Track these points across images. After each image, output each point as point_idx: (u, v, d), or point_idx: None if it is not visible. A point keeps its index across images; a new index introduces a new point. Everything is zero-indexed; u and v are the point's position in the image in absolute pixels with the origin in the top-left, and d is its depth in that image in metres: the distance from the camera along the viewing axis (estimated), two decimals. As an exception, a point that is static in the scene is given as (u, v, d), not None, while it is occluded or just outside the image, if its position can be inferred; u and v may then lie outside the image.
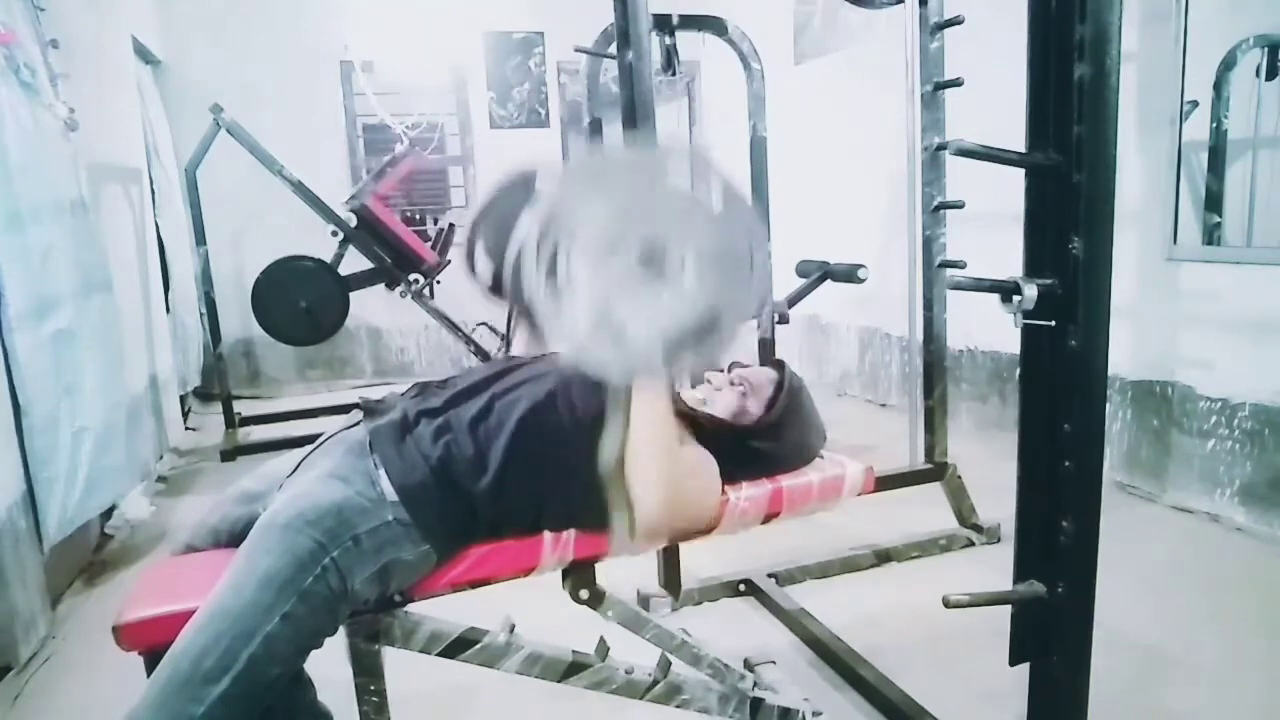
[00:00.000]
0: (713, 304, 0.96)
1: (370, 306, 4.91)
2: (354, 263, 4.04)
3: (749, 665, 1.51)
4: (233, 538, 1.23)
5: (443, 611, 1.24)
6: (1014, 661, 1.16)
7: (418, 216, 5.61)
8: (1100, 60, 0.96)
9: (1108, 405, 2.42)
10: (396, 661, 1.24)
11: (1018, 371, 1.25)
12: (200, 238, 3.97)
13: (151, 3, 4.62)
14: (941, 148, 2.42)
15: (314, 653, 1.11)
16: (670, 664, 1.39)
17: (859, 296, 3.71)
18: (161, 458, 3.62)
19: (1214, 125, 2.58)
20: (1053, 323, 1.04)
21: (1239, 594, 2.18)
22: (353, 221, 4.01)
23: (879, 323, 4.30)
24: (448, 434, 1.20)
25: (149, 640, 1.09)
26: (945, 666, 1.87)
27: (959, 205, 2.42)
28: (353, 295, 4.03)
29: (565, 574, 1.30)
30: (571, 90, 5.56)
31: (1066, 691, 1.11)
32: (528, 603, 1.38)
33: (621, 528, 1.05)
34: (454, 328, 4.21)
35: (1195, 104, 2.58)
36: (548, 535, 1.22)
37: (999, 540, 2.51)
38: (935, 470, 2.58)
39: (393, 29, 4.97)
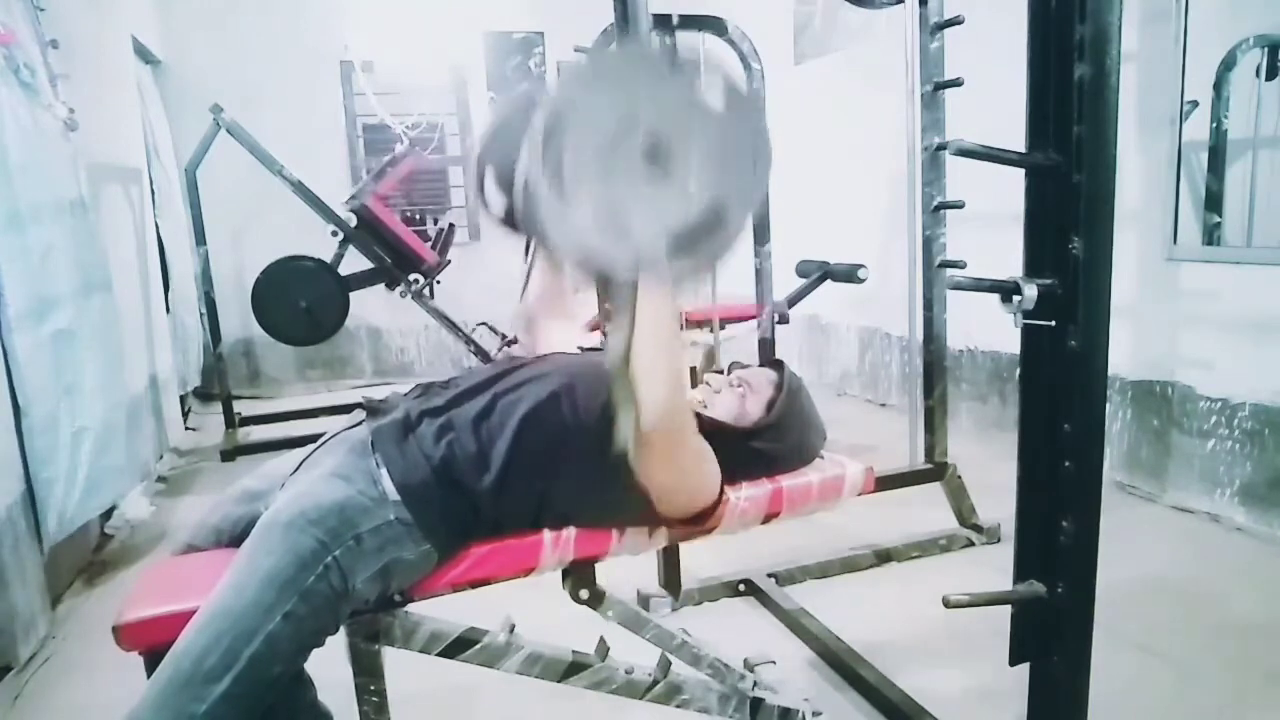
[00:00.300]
0: (717, 199, 0.96)
1: (370, 306, 4.91)
2: (354, 263, 4.04)
3: (749, 665, 1.51)
4: (234, 537, 1.23)
5: (443, 611, 1.24)
6: (1014, 661, 1.16)
7: (418, 216, 5.61)
8: (1100, 60, 0.96)
9: (1108, 405, 2.42)
10: (396, 661, 1.24)
11: (1018, 371, 1.25)
12: (200, 238, 3.97)
13: (151, 3, 4.62)
14: (941, 148, 2.42)
15: (314, 653, 1.11)
16: (670, 664, 1.39)
17: (859, 296, 3.71)
18: (161, 458, 3.62)
19: (1214, 125, 2.58)
20: (1053, 323, 1.04)
21: (1239, 594, 2.18)
22: (353, 221, 4.01)
23: (879, 323, 4.30)
24: (450, 433, 1.20)
25: (149, 640, 1.09)
26: (945, 666, 1.87)
27: (959, 205, 2.42)
28: (353, 295, 4.03)
29: (565, 574, 1.30)
30: (571, 90, 5.55)
31: (1066, 691, 1.11)
32: (528, 603, 1.38)
33: (626, 426, 1.05)
34: (454, 328, 4.22)
35: (1195, 104, 2.58)
36: (548, 535, 1.22)
37: (999, 540, 2.51)
38: (935, 470, 2.58)
39: (393, 29, 4.97)
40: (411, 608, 1.22)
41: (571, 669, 1.32)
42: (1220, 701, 1.72)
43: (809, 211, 4.51)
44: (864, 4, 2.76)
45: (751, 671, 1.49)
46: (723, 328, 2.99)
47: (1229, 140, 2.59)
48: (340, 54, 5.04)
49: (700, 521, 1.25)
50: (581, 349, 1.46)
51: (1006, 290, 1.04)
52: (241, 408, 4.39)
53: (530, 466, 1.19)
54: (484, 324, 4.39)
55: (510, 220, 1.35)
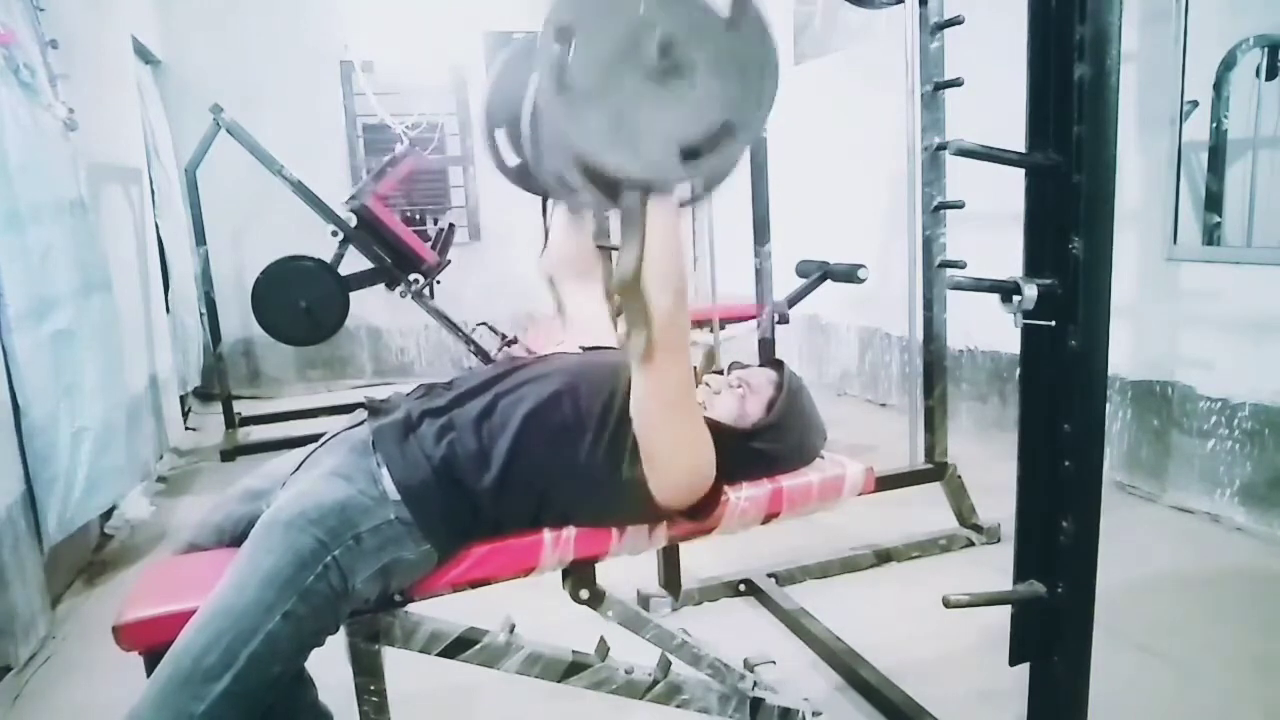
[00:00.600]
0: (726, 110, 0.98)
1: (370, 306, 4.91)
2: (354, 263, 4.04)
3: (749, 665, 1.51)
4: (236, 536, 1.23)
5: (443, 611, 1.24)
6: (1014, 661, 1.16)
7: (418, 216, 5.61)
8: (1100, 60, 0.96)
9: (1108, 405, 2.42)
10: (396, 661, 1.24)
11: (1018, 371, 1.25)
12: (200, 238, 3.97)
13: (151, 3, 4.62)
14: (941, 148, 2.42)
15: (314, 652, 1.11)
16: (670, 664, 1.39)
17: (859, 296, 3.71)
18: (161, 458, 3.62)
19: (1214, 125, 2.58)
20: (1053, 323, 1.04)
21: (1239, 594, 2.18)
22: (353, 221, 4.01)
23: (879, 323, 4.30)
24: (451, 433, 1.20)
25: (149, 640, 1.08)
26: (945, 666, 1.87)
27: (959, 205, 2.42)
28: (353, 295, 4.03)
29: (565, 574, 1.30)
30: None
31: (1066, 691, 1.11)
32: (528, 603, 1.38)
33: (638, 345, 1.05)
34: (454, 328, 4.22)
35: (1195, 104, 2.58)
36: (548, 535, 1.22)
37: (999, 540, 2.51)
38: (935, 470, 2.58)
39: (393, 29, 4.97)
40: (411, 608, 1.22)
41: (571, 669, 1.32)
42: (1220, 701, 1.72)
43: (809, 211, 4.51)
44: (864, 4, 2.76)
45: (751, 671, 1.49)
46: (723, 328, 3.00)
47: (1229, 140, 2.59)
48: (340, 54, 5.04)
49: (699, 517, 1.25)
50: (583, 349, 1.46)
51: (1006, 290, 1.04)
52: (241, 408, 4.39)
53: (531, 465, 1.19)
54: (484, 324, 4.39)
55: (523, 176, 1.36)
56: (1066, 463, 1.06)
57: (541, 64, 0.93)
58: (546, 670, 1.30)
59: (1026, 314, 1.03)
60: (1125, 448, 2.90)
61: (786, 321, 3.16)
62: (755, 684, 1.48)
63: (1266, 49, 2.46)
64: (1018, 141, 1.07)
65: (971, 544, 2.51)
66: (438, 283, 4.23)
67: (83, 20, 3.04)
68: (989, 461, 2.57)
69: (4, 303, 2.08)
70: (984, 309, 1.17)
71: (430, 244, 4.22)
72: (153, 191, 4.09)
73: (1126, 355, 2.82)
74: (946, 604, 1.10)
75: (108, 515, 2.80)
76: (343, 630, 1.17)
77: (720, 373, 1.43)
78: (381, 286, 4.15)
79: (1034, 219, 1.07)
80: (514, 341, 4.09)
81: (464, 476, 1.18)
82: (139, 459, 2.90)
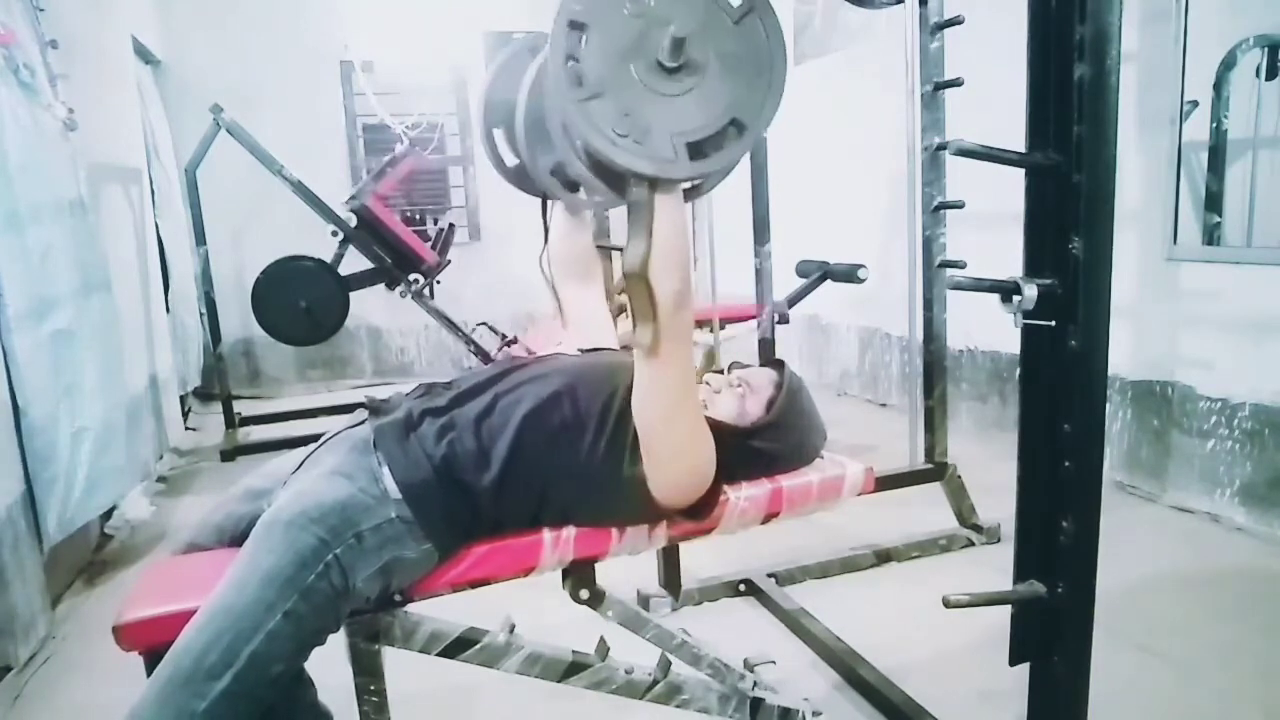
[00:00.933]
0: (734, 106, 0.99)
1: (370, 306, 4.92)
2: (354, 263, 4.04)
3: (749, 665, 1.51)
4: (236, 536, 1.23)
5: (443, 611, 1.24)
6: (1014, 661, 1.16)
7: (418, 216, 5.61)
8: (1100, 60, 0.96)
9: (1108, 405, 2.42)
10: (396, 661, 1.24)
11: (1018, 371, 1.25)
12: (200, 238, 3.97)
13: (151, 3, 4.62)
14: (941, 148, 2.42)
15: (314, 652, 1.11)
16: (670, 664, 1.39)
17: (859, 296, 3.71)
18: (161, 458, 3.62)
19: (1214, 125, 2.58)
20: (1053, 323, 1.04)
21: (1239, 594, 2.18)
22: (353, 221, 4.01)
23: (879, 323, 4.30)
24: (451, 432, 1.20)
25: (149, 640, 1.08)
26: (945, 666, 1.87)
27: (959, 205, 2.42)
28: (353, 295, 4.03)
29: (565, 574, 1.30)
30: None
31: (1066, 691, 1.11)
32: (528, 603, 1.38)
33: (645, 337, 1.05)
34: (454, 328, 4.21)
35: (1195, 104, 2.58)
36: (548, 535, 1.22)
37: (999, 540, 2.51)
38: (935, 470, 2.58)
39: (393, 29, 4.97)
40: (411, 608, 1.22)
41: (571, 669, 1.32)
42: (1220, 701, 1.72)
43: (809, 211, 4.51)
44: (864, 4, 2.75)
45: (751, 671, 1.49)
46: (723, 328, 3.00)
47: (1229, 140, 2.59)
48: (340, 54, 5.04)
49: (699, 517, 1.25)
50: (581, 351, 1.46)
51: (1006, 290, 1.03)
52: (241, 408, 4.39)
53: (531, 465, 1.19)
54: (484, 324, 4.39)
55: (522, 176, 1.36)
56: (1066, 463, 1.06)
57: (553, 56, 0.93)
58: (546, 670, 1.30)
59: (1026, 314, 1.03)
60: (1125, 448, 2.90)
61: (786, 321, 3.16)
62: (755, 684, 1.48)
63: (1266, 49, 2.46)
64: (1018, 141, 1.07)
65: (971, 544, 2.51)
66: (438, 283, 4.23)
67: (83, 20, 3.04)
68: (989, 461, 2.57)
69: (4, 303, 2.08)
70: (984, 309, 1.17)
71: (430, 244, 4.22)
72: (153, 191, 4.09)
73: (1126, 355, 2.82)
74: (946, 604, 1.10)
75: (108, 515, 2.80)
76: (343, 630, 1.17)
77: (720, 372, 1.43)
78: (381, 286, 4.15)
79: (1034, 219, 1.07)
80: (514, 341, 4.08)
81: (464, 475, 1.18)
82: (139, 459, 2.90)
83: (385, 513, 1.13)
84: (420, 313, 4.23)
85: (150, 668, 1.06)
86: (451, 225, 4.42)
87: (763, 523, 1.35)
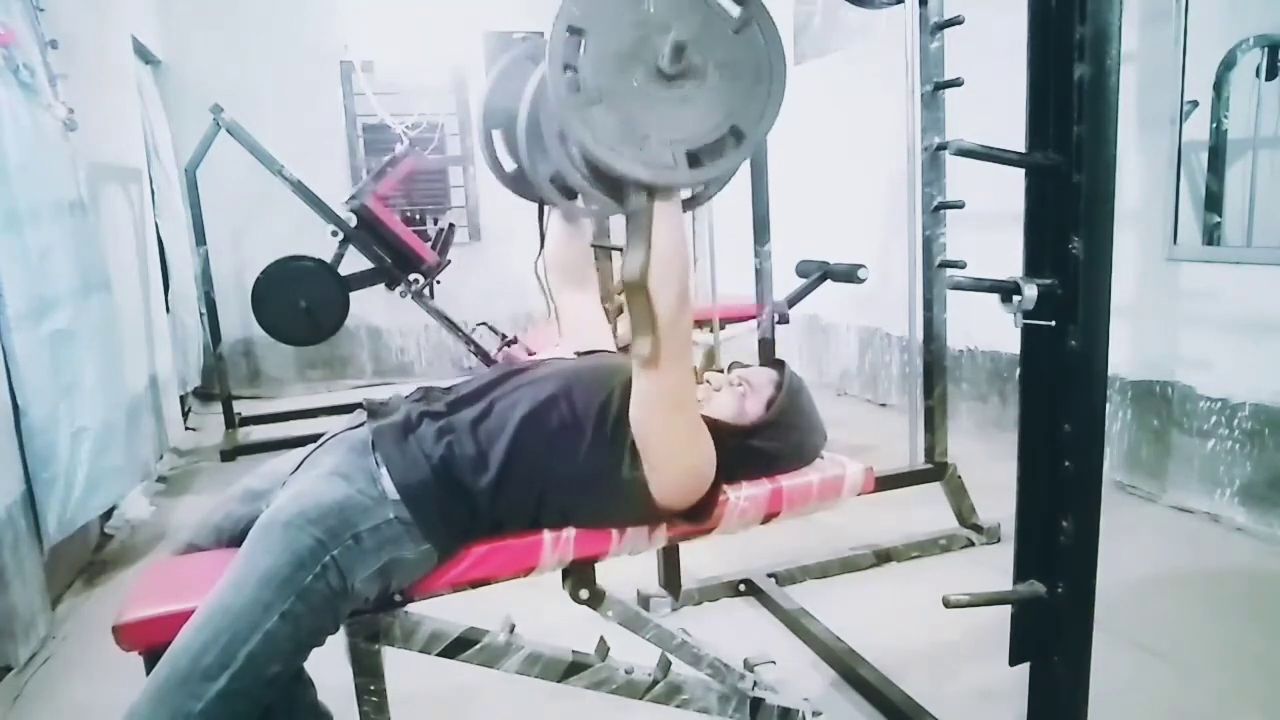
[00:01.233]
0: (733, 114, 0.98)
1: (370, 306, 4.91)
2: (354, 263, 4.04)
3: (749, 665, 1.51)
4: (235, 536, 1.23)
5: (443, 611, 1.24)
6: (1014, 661, 1.16)
7: (418, 216, 5.61)
8: (1100, 60, 0.96)
9: (1108, 405, 2.42)
10: (396, 661, 1.24)
11: (1018, 371, 1.25)
12: (200, 238, 3.97)
13: (151, 3, 4.62)
14: (941, 148, 2.42)
15: (315, 652, 1.11)
16: (670, 664, 1.39)
17: (859, 296, 3.71)
18: (161, 458, 3.62)
19: (1214, 125, 2.58)
20: (1053, 323, 1.04)
21: (1239, 594, 2.18)
22: (353, 221, 4.01)
23: (879, 323, 4.30)
24: (450, 434, 1.20)
25: (149, 640, 1.08)
26: (945, 666, 1.87)
27: (959, 205, 2.42)
28: (353, 295, 4.03)
29: (565, 574, 1.30)
30: (571, 90, 5.55)
31: (1066, 691, 1.11)
32: (528, 603, 1.38)
33: (643, 348, 1.05)
34: (454, 328, 4.22)
35: (1195, 104, 2.58)
36: (548, 535, 1.22)
37: (999, 540, 2.51)
38: (935, 470, 2.58)
39: (393, 29, 4.97)
40: (411, 608, 1.22)
41: (571, 669, 1.32)
42: (1220, 701, 1.72)
43: (809, 211, 4.51)
44: (864, 4, 2.76)
45: (751, 671, 1.49)
46: (723, 328, 2.99)
47: (1229, 140, 2.59)
48: (340, 54, 5.04)
49: (698, 517, 1.25)
50: (578, 353, 1.47)
51: (1006, 290, 1.03)
52: (241, 408, 4.39)
53: (529, 467, 1.19)
54: (484, 324, 4.39)
55: (520, 181, 1.36)
56: (1066, 463, 1.06)
57: (551, 62, 0.92)
58: (546, 670, 1.30)
59: (1026, 314, 1.03)
60: (1125, 448, 2.90)
61: (786, 321, 3.16)
62: (755, 684, 1.48)
63: (1266, 49, 2.46)
64: (1018, 141, 1.07)
65: (971, 544, 2.51)
66: (438, 283, 4.23)
67: (83, 20, 3.04)
68: (989, 461, 2.57)
69: (4, 303, 2.08)
70: (984, 309, 1.17)
71: (430, 244, 4.22)
72: (153, 191, 4.09)
73: (1126, 355, 2.82)
74: (946, 604, 1.10)
75: (108, 515, 2.80)
76: (343, 630, 1.17)
77: (721, 372, 1.43)
78: (381, 286, 4.15)
79: (1034, 219, 1.07)
80: (514, 342, 4.08)
81: (463, 477, 1.18)
82: (139, 459, 2.90)
83: (383, 514, 1.13)
84: (420, 313, 4.23)
85: (150, 667, 1.06)
86: (451, 225, 4.42)
87: (763, 523, 1.35)
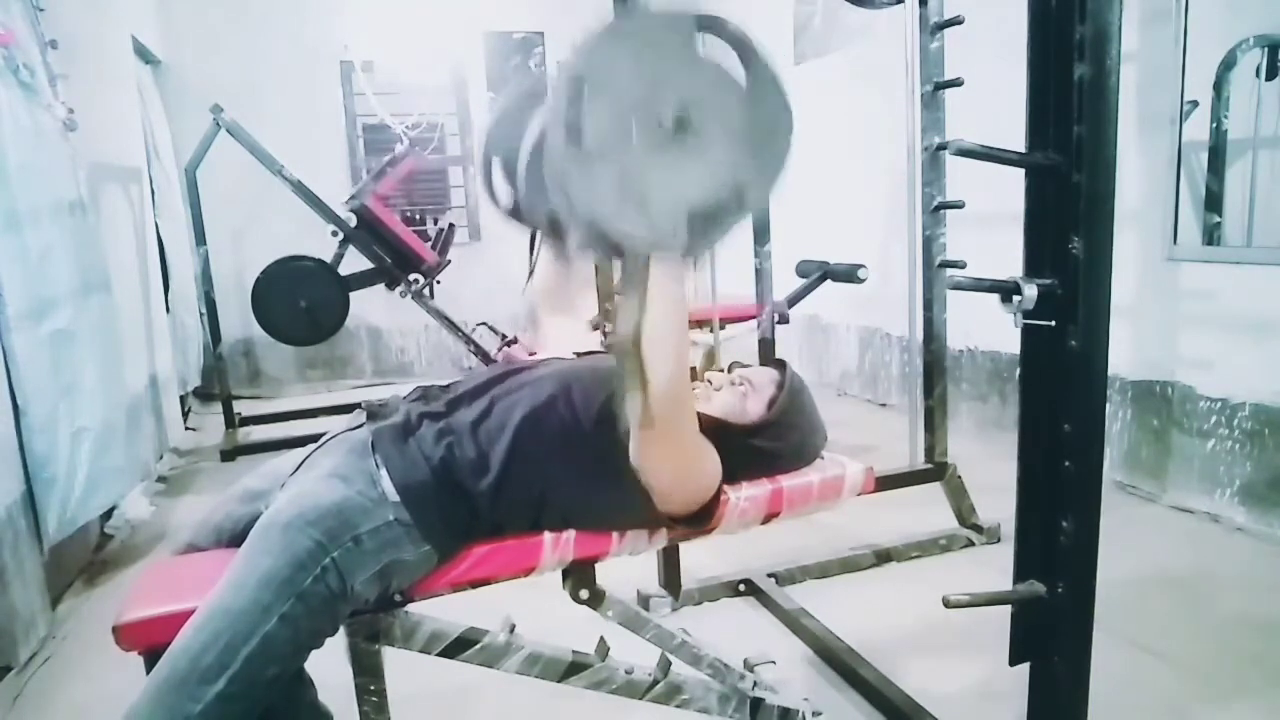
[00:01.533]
0: (738, 176, 0.96)
1: (370, 306, 4.91)
2: (354, 263, 4.04)
3: (749, 665, 1.51)
4: (235, 536, 1.23)
5: (443, 611, 1.24)
6: (1014, 661, 1.16)
7: (418, 216, 5.61)
8: (1100, 60, 0.96)
9: (1108, 405, 2.42)
10: (396, 661, 1.24)
11: (1018, 371, 1.25)
12: (200, 238, 3.97)
13: (151, 3, 4.62)
14: (941, 148, 2.42)
15: (315, 653, 1.11)
16: (670, 664, 1.39)
17: (859, 296, 3.71)
18: (161, 458, 3.62)
19: (1214, 125, 2.58)
20: (1053, 323, 1.04)
21: (1239, 594, 2.18)
22: (353, 221, 4.02)
23: (879, 323, 4.30)
24: (449, 435, 1.20)
25: (149, 640, 1.08)
26: (945, 666, 1.87)
27: (959, 205, 2.42)
28: (353, 295, 4.03)
29: (565, 574, 1.30)
30: (571, 90, 5.55)
31: (1066, 691, 1.11)
32: (528, 603, 1.38)
33: (634, 408, 1.04)
34: (454, 328, 4.22)
35: (1195, 104, 2.58)
36: (548, 535, 1.22)
37: (999, 540, 2.51)
38: (935, 470, 2.58)
39: (393, 29, 4.97)
40: (411, 608, 1.22)
41: (571, 669, 1.32)
42: (1221, 702, 1.72)
43: (809, 211, 4.51)
44: (864, 4, 2.76)
45: (751, 671, 1.49)
46: (723, 328, 2.99)
47: (1229, 140, 2.59)
48: (340, 54, 5.04)
49: (700, 521, 1.25)
50: (578, 354, 1.46)
51: (1006, 290, 1.04)
52: (241, 408, 4.39)
53: (529, 469, 1.19)
54: (484, 324, 4.39)
55: (516, 213, 1.35)
56: (1066, 463, 1.06)
57: (553, 116, 0.89)
58: (546, 670, 1.30)
59: (1026, 314, 1.03)
60: (1125, 448, 2.90)
61: (786, 321, 3.15)
62: (755, 684, 1.48)
63: (1266, 49, 2.46)
64: (1018, 141, 1.07)
65: (971, 544, 2.51)
66: (438, 283, 4.23)
67: (83, 20, 3.04)
68: (989, 461, 2.56)
69: (3, 303, 2.08)
70: (984, 309, 1.17)
71: (430, 244, 4.22)
72: (153, 191, 4.09)
73: (1126, 355, 2.82)
74: (946, 604, 1.10)
75: (108, 515, 2.80)
76: (343, 630, 1.17)
77: (722, 371, 1.43)
78: (381, 286, 4.15)
79: (1034, 219, 1.07)
80: (514, 342, 4.08)
81: (463, 479, 1.17)
82: (139, 459, 2.90)
83: (383, 515, 1.12)
84: (420, 313, 4.23)
85: (150, 667, 1.06)
86: (451, 225, 4.43)
87: (763, 523, 1.35)
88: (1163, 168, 2.64)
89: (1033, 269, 1.06)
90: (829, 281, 3.24)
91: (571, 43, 0.92)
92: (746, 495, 1.31)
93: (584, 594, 1.31)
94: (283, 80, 4.99)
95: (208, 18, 4.88)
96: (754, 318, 2.86)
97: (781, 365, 1.43)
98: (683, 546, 2.01)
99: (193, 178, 3.90)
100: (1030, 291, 1.02)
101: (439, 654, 1.24)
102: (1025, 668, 1.16)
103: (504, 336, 4.17)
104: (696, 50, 0.95)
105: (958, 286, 1.05)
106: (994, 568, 2.24)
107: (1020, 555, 1.15)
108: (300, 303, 3.92)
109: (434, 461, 1.17)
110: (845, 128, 4.36)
